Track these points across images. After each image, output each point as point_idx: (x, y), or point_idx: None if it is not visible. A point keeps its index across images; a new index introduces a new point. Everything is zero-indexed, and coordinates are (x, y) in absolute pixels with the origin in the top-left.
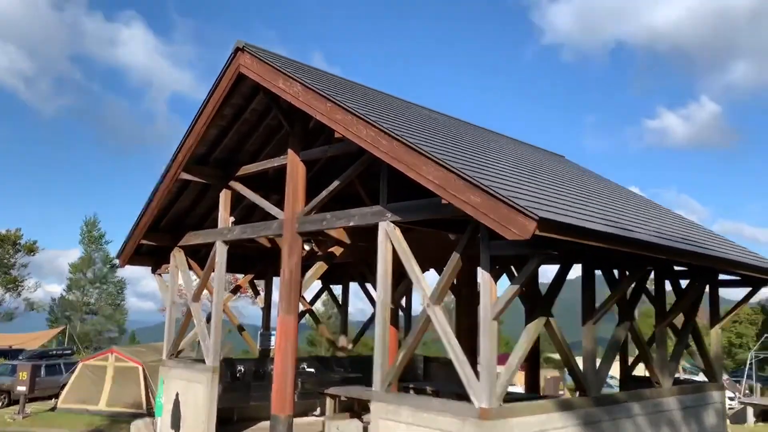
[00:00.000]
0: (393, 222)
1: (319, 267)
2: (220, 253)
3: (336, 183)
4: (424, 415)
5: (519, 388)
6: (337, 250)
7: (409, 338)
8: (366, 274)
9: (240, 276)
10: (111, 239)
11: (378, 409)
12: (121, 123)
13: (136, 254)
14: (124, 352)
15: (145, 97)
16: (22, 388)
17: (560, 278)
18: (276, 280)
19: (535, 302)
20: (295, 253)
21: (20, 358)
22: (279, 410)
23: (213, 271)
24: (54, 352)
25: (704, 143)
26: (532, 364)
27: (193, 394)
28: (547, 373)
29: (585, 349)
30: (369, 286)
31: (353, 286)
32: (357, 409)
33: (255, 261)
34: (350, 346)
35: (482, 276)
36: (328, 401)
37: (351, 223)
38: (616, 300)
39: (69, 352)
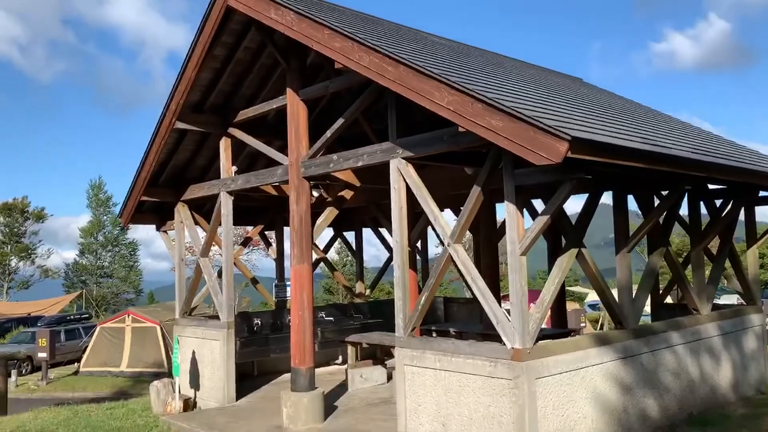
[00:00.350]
0: (405, 158)
1: (330, 212)
2: (226, 205)
3: (340, 121)
4: (451, 360)
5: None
6: (347, 195)
7: (431, 280)
8: (379, 218)
9: (249, 228)
10: (118, 201)
11: (402, 356)
12: (118, 84)
13: (138, 212)
14: (141, 312)
15: (140, 56)
16: (42, 354)
17: (591, 206)
18: (287, 231)
19: (564, 234)
20: (303, 200)
21: (39, 324)
22: (299, 363)
23: (220, 224)
24: (72, 316)
25: (715, 64)
26: (558, 298)
27: (209, 351)
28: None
29: (620, 279)
30: (383, 231)
31: (366, 232)
32: (380, 355)
33: (263, 212)
34: (367, 292)
35: (507, 209)
36: (350, 349)
37: (360, 164)
38: (653, 224)
39: (87, 315)
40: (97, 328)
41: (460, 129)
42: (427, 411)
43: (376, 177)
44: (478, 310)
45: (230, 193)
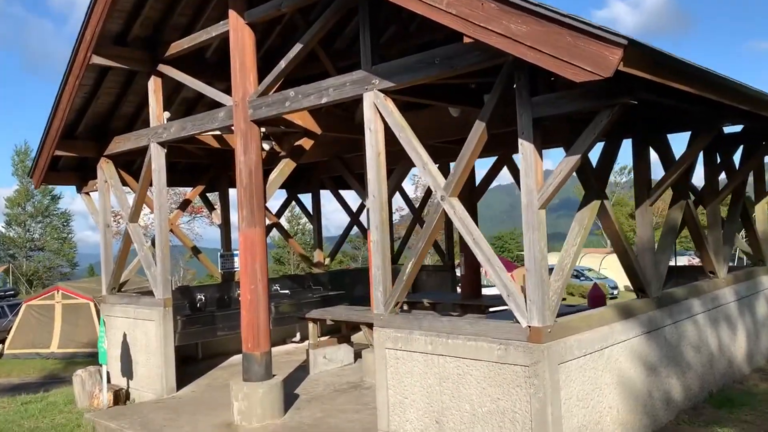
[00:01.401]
0: (382, 90)
1: (286, 165)
2: (157, 158)
3: (298, 47)
4: (448, 342)
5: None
6: (305, 145)
7: (419, 243)
8: (344, 175)
9: (189, 190)
10: None
11: (383, 337)
12: (47, 48)
13: (53, 170)
14: (72, 288)
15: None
16: None
17: (612, 150)
18: (233, 193)
19: (585, 182)
20: (252, 148)
21: None
22: (253, 347)
23: (151, 183)
24: None
25: (655, 30)
26: None
27: (143, 334)
28: (525, 271)
29: (640, 238)
30: (345, 192)
31: (324, 195)
32: (345, 331)
33: (204, 171)
34: (327, 261)
35: (523, 148)
36: (311, 326)
37: (324, 100)
38: (683, 170)
39: (12, 292)
40: (23, 306)
41: (466, 40)
42: (417, 405)
43: (341, 123)
44: (450, 278)
45: (162, 144)
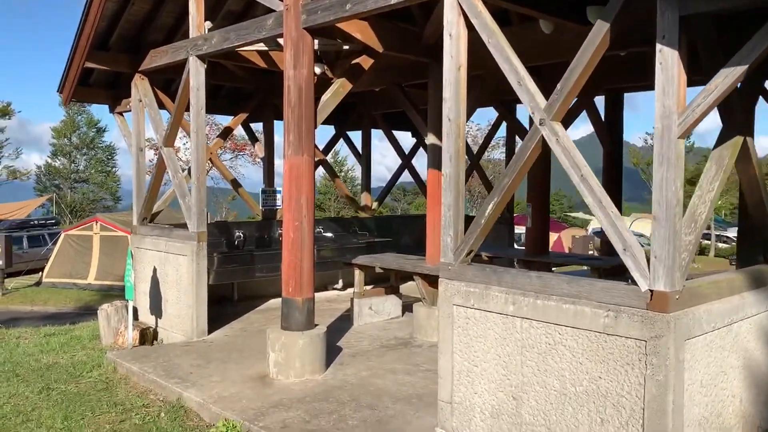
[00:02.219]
0: None
1: (340, 86)
2: (196, 74)
3: None
4: (536, 303)
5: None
6: (364, 64)
7: (504, 180)
8: (403, 104)
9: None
10: None
11: (451, 291)
12: None
13: (83, 85)
14: (110, 219)
15: None
16: None
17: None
18: (279, 125)
19: (727, 114)
20: (303, 62)
21: None
22: (294, 292)
23: (188, 103)
24: (36, 221)
25: None
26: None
27: (174, 269)
28: (573, 232)
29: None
30: (399, 134)
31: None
32: (394, 281)
33: (248, 97)
34: (374, 206)
35: (663, 57)
36: (357, 274)
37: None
38: None
39: (54, 221)
40: (62, 235)
41: None
42: (489, 376)
43: (406, 41)
44: (507, 232)
45: (202, 58)
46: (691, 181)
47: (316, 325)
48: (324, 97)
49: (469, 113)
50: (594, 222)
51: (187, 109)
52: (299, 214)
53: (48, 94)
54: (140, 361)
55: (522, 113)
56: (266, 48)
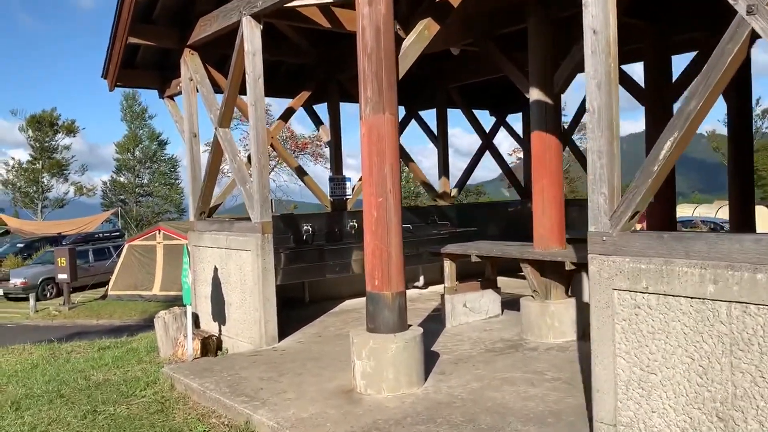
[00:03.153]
0: None
1: (425, 28)
2: (251, 37)
3: None
4: (758, 279)
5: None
6: (452, 1)
7: (692, 100)
8: (495, 57)
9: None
10: (155, 112)
11: (610, 272)
12: None
13: (129, 67)
14: (173, 228)
15: None
16: (63, 276)
17: None
18: (346, 107)
19: None
20: None
21: (63, 243)
22: (382, 285)
23: (243, 75)
24: (101, 234)
25: None
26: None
27: (237, 267)
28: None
29: None
30: (478, 113)
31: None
32: (491, 274)
33: (310, 75)
34: (454, 193)
35: None
36: (448, 265)
37: None
38: None
39: (118, 233)
40: (125, 247)
41: None
42: (676, 387)
43: None
44: None
45: (257, 17)
46: None
47: (410, 325)
48: (406, 43)
49: (571, 77)
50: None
51: (244, 85)
52: (383, 187)
53: (115, 116)
54: (201, 376)
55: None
56: None
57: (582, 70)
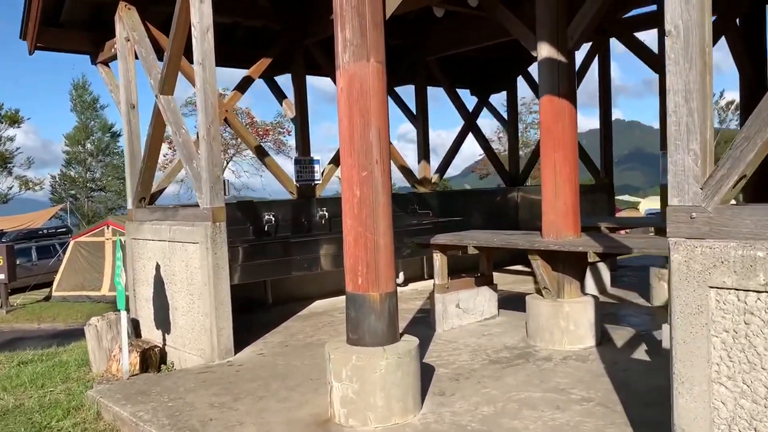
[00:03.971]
0: None
1: None
2: None
3: None
4: None
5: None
6: None
7: None
8: (495, 10)
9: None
10: (107, 103)
11: (703, 264)
12: None
13: (52, 25)
14: (122, 222)
15: None
16: (0, 276)
17: None
18: (312, 80)
19: None
20: None
21: (2, 240)
22: (367, 283)
23: (190, 31)
24: (46, 231)
25: None
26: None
27: (182, 264)
28: (628, 214)
29: None
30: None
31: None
32: (485, 269)
33: (272, 40)
34: (435, 179)
35: None
36: (438, 259)
37: None
38: None
39: (64, 229)
40: (71, 243)
41: None
42: None
43: None
44: (606, 201)
45: None
46: None
47: (402, 333)
48: None
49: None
50: (645, 203)
51: (190, 45)
52: (368, 157)
53: (66, 107)
54: (135, 401)
55: None
56: None
57: (606, 16)
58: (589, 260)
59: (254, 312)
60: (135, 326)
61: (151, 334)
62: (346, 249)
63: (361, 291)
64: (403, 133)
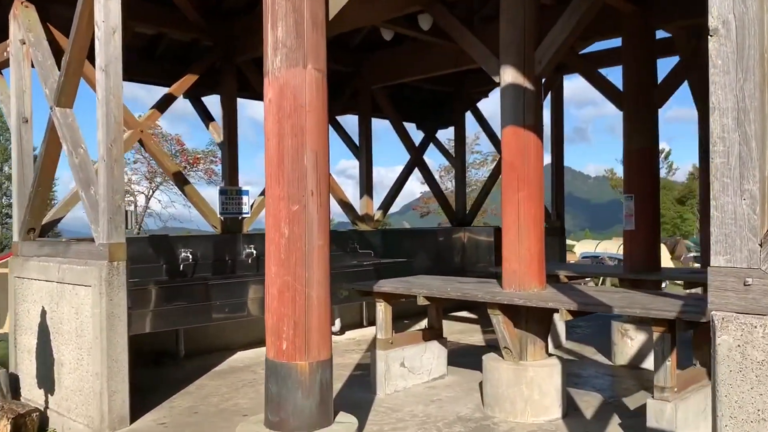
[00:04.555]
0: None
1: None
2: None
3: None
4: None
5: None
6: None
7: None
8: (445, 21)
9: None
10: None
11: (764, 343)
12: None
13: None
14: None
15: None
16: None
17: None
18: (243, 102)
19: None
20: None
21: None
22: (293, 350)
23: (94, 31)
24: None
25: None
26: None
27: (72, 311)
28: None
29: None
30: (410, 126)
31: (378, 126)
32: (435, 321)
33: (199, 57)
34: (377, 216)
35: None
36: (381, 309)
37: None
38: None
39: None
40: None
41: None
42: None
43: None
44: (558, 245)
45: None
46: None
47: (338, 413)
48: None
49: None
50: (580, 246)
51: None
52: (300, 187)
53: None
54: None
55: None
56: None
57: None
58: (563, 319)
59: (164, 366)
60: (14, 383)
61: (32, 392)
62: (269, 303)
63: (285, 359)
64: (342, 169)
